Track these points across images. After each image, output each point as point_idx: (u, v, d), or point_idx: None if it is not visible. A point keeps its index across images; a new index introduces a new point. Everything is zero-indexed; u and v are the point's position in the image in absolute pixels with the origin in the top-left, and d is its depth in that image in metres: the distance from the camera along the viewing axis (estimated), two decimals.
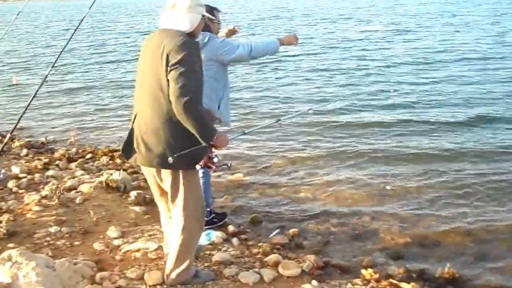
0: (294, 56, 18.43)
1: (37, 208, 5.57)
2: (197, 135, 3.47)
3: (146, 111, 3.67)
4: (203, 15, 3.76)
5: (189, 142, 3.52)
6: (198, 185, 3.94)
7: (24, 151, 8.45)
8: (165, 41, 3.53)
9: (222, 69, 5.14)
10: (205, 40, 4.98)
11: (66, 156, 8.02)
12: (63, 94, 14.42)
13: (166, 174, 3.74)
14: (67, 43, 6.33)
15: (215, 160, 3.64)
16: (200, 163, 3.58)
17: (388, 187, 6.96)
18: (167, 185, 3.81)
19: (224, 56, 5.03)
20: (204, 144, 3.52)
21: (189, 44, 3.52)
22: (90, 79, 16.57)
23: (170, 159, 3.49)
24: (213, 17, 5.14)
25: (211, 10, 5.20)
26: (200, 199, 3.93)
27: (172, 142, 3.57)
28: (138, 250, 4.68)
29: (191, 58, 3.45)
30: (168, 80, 3.45)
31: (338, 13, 38.25)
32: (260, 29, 29.25)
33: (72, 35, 6.50)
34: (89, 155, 8.26)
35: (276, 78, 15.18)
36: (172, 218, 3.95)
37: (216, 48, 5.00)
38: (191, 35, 3.70)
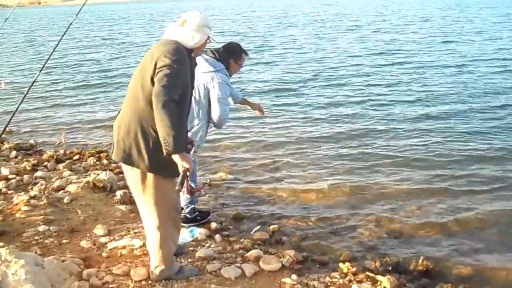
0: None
1: (26, 208, 5.55)
2: (163, 139, 3.30)
3: (125, 109, 3.73)
4: (208, 37, 3.85)
5: (159, 148, 3.44)
6: (170, 189, 3.72)
7: (13, 153, 8.39)
8: (160, 47, 3.61)
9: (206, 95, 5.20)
10: (216, 68, 5.09)
11: (54, 157, 7.99)
12: (52, 97, 14.31)
13: (128, 170, 3.76)
14: (55, 48, 6.34)
15: (193, 185, 3.56)
16: (184, 190, 3.54)
17: (366, 185, 7.03)
18: (128, 181, 3.86)
19: (214, 92, 5.09)
20: (165, 152, 3.33)
21: (179, 51, 3.58)
22: (80, 82, 16.47)
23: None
24: (238, 61, 5.34)
25: (241, 52, 5.36)
26: (173, 201, 3.89)
27: (139, 141, 3.59)
28: (124, 247, 4.70)
29: (179, 64, 3.49)
30: (152, 81, 3.48)
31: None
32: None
33: (61, 39, 6.50)
34: (76, 156, 8.25)
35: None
36: (142, 217, 3.98)
37: (216, 80, 5.09)
38: (191, 51, 3.77)
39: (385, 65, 16.99)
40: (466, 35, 24.43)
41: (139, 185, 3.74)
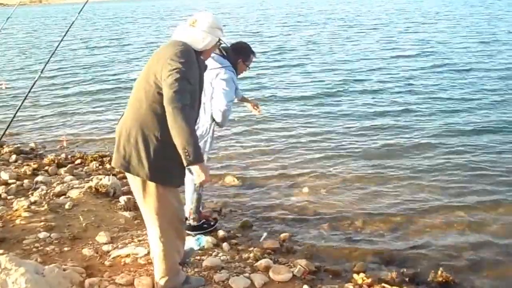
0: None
1: (26, 214, 5.56)
2: (183, 149, 3.27)
3: (127, 113, 3.72)
4: (219, 39, 3.84)
5: (161, 155, 3.48)
6: (172, 198, 3.76)
7: (13, 157, 8.44)
8: (167, 49, 3.59)
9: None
10: (222, 65, 5.14)
11: (56, 161, 8.01)
12: (54, 100, 14.38)
13: (131, 178, 3.74)
14: (56, 49, 6.36)
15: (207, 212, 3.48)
16: (203, 220, 3.48)
17: (381, 191, 7.00)
18: (132, 189, 3.85)
19: (218, 85, 5.11)
20: (185, 163, 3.30)
21: (188, 53, 3.56)
22: (86, 84, 16.54)
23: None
24: (246, 61, 5.42)
25: (250, 53, 5.46)
26: (175, 211, 3.84)
27: (140, 148, 3.55)
28: (127, 256, 4.69)
29: (187, 67, 3.46)
30: (157, 85, 3.48)
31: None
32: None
33: (62, 40, 6.53)
34: (78, 161, 8.28)
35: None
36: (147, 226, 3.97)
37: (221, 76, 5.13)
38: (199, 53, 3.76)
39: (421, 68, 16.09)
40: (501, 34, 23.46)
41: (141, 193, 3.72)
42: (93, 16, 53.77)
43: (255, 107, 6.05)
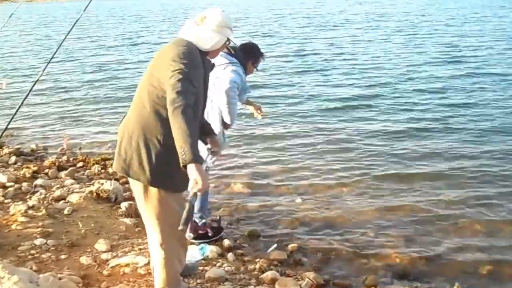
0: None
1: (22, 219, 5.48)
2: (180, 148, 3.12)
3: (130, 115, 3.65)
4: (227, 39, 3.74)
5: (164, 160, 3.41)
6: (174, 203, 3.65)
7: (13, 158, 8.37)
8: (170, 49, 3.52)
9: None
10: (229, 61, 5.11)
11: (56, 164, 7.94)
12: (57, 100, 14.29)
13: (132, 182, 3.67)
14: (59, 47, 6.30)
15: (200, 223, 3.21)
16: (191, 233, 3.28)
17: (395, 202, 6.86)
18: (134, 193, 3.77)
19: (225, 78, 5.04)
20: (181, 163, 3.12)
21: (191, 54, 3.48)
22: (86, 84, 16.46)
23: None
24: (255, 63, 5.41)
25: (259, 54, 5.43)
26: (178, 217, 3.62)
27: (141, 151, 3.48)
28: (127, 265, 4.60)
29: (191, 68, 3.38)
30: (160, 87, 3.41)
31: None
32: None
33: (65, 37, 6.47)
34: (80, 164, 8.20)
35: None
36: (147, 232, 3.87)
37: (229, 69, 5.08)
38: (206, 53, 3.67)
39: (458, 76, 15.11)
40: None
41: (142, 198, 3.64)
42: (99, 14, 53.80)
43: (258, 111, 5.94)
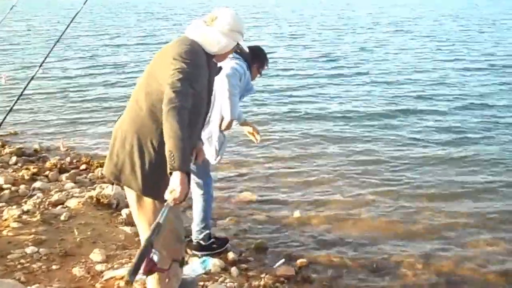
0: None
1: (15, 224, 5.32)
2: (169, 152, 2.94)
3: (125, 115, 3.48)
4: (237, 44, 3.55)
5: (157, 166, 3.22)
6: (170, 213, 3.17)
7: (14, 159, 8.20)
8: (172, 47, 3.36)
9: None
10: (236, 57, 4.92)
11: (58, 166, 7.77)
12: (62, 98, 14.07)
13: (126, 189, 3.48)
14: (57, 42, 6.14)
15: (156, 258, 2.84)
16: (141, 270, 2.86)
17: (414, 216, 6.62)
18: (128, 202, 3.57)
19: (225, 71, 4.74)
20: (168, 168, 2.94)
21: (195, 53, 3.31)
22: (99, 84, 16.30)
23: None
24: (261, 68, 5.32)
25: (265, 60, 5.37)
26: (174, 228, 3.49)
27: (134, 156, 3.30)
28: (122, 278, 4.36)
29: (193, 68, 3.20)
30: (159, 88, 3.22)
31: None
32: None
33: (64, 32, 6.31)
34: (83, 166, 8.03)
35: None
36: (142, 243, 3.63)
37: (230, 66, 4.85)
38: (212, 56, 3.48)
39: (492, 85, 14.62)
40: None
41: (135, 207, 3.44)
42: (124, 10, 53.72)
43: (254, 134, 5.56)
